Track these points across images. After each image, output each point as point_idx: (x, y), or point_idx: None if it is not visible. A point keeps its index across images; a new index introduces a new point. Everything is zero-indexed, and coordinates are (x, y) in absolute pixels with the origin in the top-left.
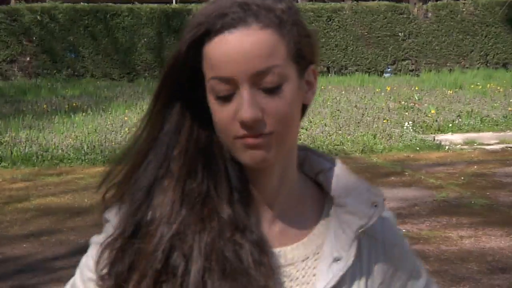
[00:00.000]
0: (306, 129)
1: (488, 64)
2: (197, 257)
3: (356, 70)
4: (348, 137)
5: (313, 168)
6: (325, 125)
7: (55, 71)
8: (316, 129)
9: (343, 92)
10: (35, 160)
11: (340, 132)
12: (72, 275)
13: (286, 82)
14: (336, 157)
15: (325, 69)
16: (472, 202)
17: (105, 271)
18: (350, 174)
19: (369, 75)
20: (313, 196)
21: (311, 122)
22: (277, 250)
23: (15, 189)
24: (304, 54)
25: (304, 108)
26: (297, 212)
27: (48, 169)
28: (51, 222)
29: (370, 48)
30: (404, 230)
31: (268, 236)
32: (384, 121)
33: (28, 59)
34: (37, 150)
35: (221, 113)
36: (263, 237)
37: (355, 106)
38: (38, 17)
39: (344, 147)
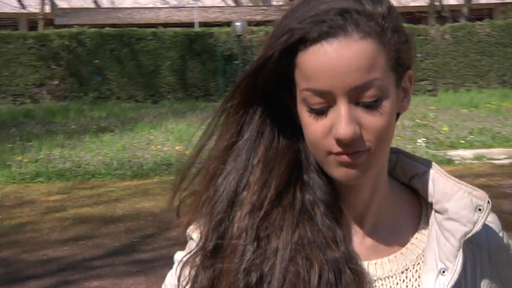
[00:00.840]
0: None
1: (505, 84)
2: (278, 278)
3: None
4: None
5: (406, 172)
6: None
7: (82, 94)
8: None
9: None
10: (69, 175)
11: None
12: (109, 273)
13: (385, 95)
14: (431, 160)
15: None
16: None
17: None
18: (448, 177)
19: None
20: (409, 203)
21: None
22: (373, 262)
23: (52, 201)
24: (403, 61)
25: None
26: (391, 222)
27: (81, 183)
28: (87, 229)
29: None
30: None
31: (361, 250)
32: (398, 138)
33: (56, 82)
34: (70, 166)
35: (314, 126)
36: (351, 252)
37: None
38: (66, 42)
39: None
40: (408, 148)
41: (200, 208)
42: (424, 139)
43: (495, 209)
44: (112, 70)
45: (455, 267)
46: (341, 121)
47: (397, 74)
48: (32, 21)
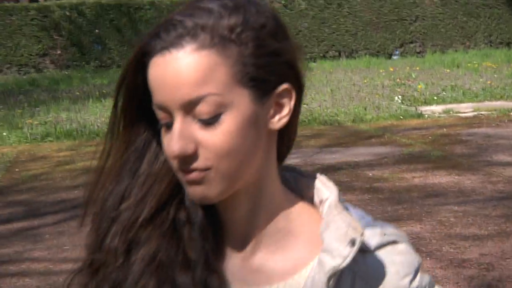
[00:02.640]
0: (307, 104)
1: (491, 44)
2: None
3: (366, 54)
4: (342, 109)
5: (318, 195)
6: (324, 100)
7: (84, 63)
8: (315, 103)
9: (349, 74)
10: (76, 135)
11: (335, 105)
12: None
13: (227, 111)
14: (333, 185)
15: (337, 53)
16: (431, 154)
17: None
18: (338, 204)
19: (377, 58)
20: (313, 227)
21: (312, 98)
22: None
23: (62, 157)
24: (264, 76)
25: (289, 128)
26: (285, 247)
27: (87, 141)
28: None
29: (378, 32)
30: (370, 175)
31: (241, 273)
32: (376, 95)
33: (58, 52)
34: (77, 127)
35: (164, 141)
36: (210, 278)
37: (353, 84)
38: (67, 13)
39: (338, 117)
40: (383, 104)
41: (91, 225)
42: (400, 96)
43: (448, 152)
44: (112, 39)
45: None
46: (172, 137)
47: (256, 89)
48: None
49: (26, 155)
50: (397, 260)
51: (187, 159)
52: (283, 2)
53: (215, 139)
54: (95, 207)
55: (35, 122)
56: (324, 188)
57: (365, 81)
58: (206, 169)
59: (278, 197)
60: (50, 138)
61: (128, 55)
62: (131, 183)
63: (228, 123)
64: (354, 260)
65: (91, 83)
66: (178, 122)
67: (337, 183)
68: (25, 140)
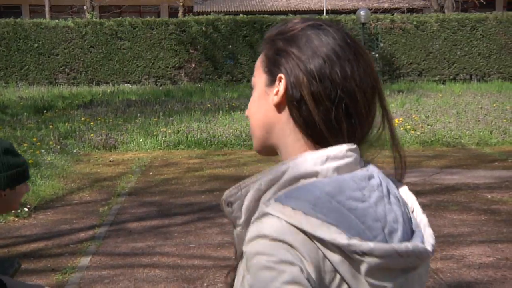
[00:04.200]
0: (431, 125)
1: None
2: None
3: (498, 78)
4: (467, 132)
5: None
6: (449, 122)
7: (216, 77)
8: (439, 125)
9: (478, 97)
10: (205, 144)
11: (460, 128)
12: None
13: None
14: None
15: (468, 76)
16: None
17: None
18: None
19: (511, 82)
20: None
21: (437, 120)
22: None
23: (192, 164)
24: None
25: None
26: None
27: (215, 151)
28: (220, 184)
29: None
30: (489, 197)
31: None
32: (504, 120)
33: (193, 65)
34: (206, 136)
35: None
36: None
37: (481, 107)
38: (203, 28)
39: (462, 140)
40: (510, 129)
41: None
42: None
43: None
44: (244, 54)
45: None
46: None
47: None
48: (172, 9)
49: (159, 160)
50: (251, 227)
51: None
52: (414, 23)
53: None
54: None
55: (169, 131)
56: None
57: (494, 105)
58: (247, 116)
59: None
60: (181, 146)
61: None
62: None
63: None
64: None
65: (221, 96)
66: None
67: (455, 203)
68: (159, 147)
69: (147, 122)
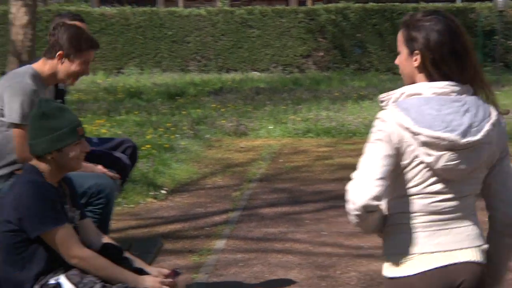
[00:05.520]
0: None
1: None
2: None
3: None
4: None
5: None
6: None
7: (344, 65)
8: None
9: None
10: (334, 133)
11: None
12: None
13: None
14: None
15: None
16: None
17: None
18: None
19: None
20: None
21: None
22: None
23: (321, 152)
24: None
25: None
26: None
27: (344, 139)
28: (350, 173)
29: None
30: None
31: None
32: None
33: (321, 54)
34: (335, 125)
35: None
36: None
37: None
38: (332, 16)
39: None
40: None
41: None
42: None
43: None
44: (373, 43)
45: None
46: None
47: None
48: None
49: (289, 148)
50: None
51: None
52: None
53: None
54: None
55: (298, 118)
56: None
57: None
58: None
59: None
60: (310, 134)
61: (388, 59)
62: None
63: None
64: None
65: (349, 85)
66: None
67: None
68: (288, 134)
69: (276, 110)
